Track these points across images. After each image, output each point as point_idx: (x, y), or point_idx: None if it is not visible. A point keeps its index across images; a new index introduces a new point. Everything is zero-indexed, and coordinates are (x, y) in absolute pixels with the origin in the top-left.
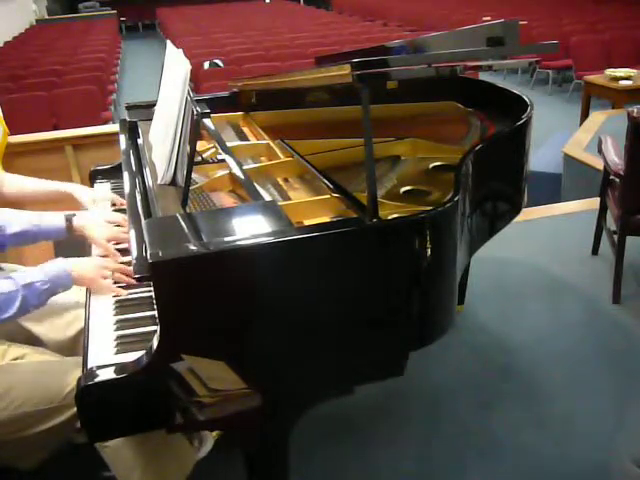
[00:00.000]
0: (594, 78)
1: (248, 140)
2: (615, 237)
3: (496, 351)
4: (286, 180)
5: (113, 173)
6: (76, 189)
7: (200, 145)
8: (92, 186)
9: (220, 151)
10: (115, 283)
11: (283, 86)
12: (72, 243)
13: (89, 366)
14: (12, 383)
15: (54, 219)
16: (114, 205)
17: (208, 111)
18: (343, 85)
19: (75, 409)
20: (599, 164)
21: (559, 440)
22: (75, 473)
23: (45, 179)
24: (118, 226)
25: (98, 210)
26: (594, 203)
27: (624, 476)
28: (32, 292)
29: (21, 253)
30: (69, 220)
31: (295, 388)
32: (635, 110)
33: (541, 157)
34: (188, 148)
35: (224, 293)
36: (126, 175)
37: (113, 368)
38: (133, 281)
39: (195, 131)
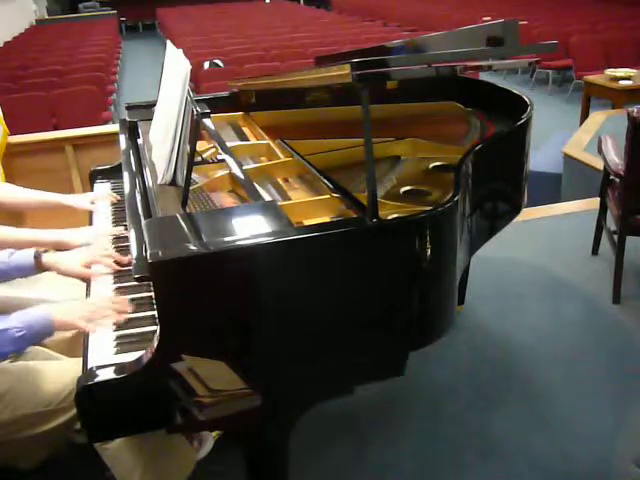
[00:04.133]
0: (594, 78)
1: (248, 140)
2: (615, 237)
3: (496, 351)
4: (286, 180)
5: (113, 173)
6: (74, 201)
7: (200, 145)
8: (92, 186)
9: (220, 151)
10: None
11: (283, 86)
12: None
13: (89, 366)
14: (11, 384)
15: (23, 256)
16: (114, 203)
17: (208, 111)
18: (343, 85)
19: (74, 411)
20: (599, 164)
21: (559, 440)
22: (75, 473)
23: (45, 179)
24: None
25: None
26: (594, 203)
27: (624, 476)
28: (6, 338)
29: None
30: (38, 257)
31: (295, 388)
32: (635, 110)
33: (541, 157)
34: (188, 148)
35: (224, 293)
36: (126, 175)
37: (113, 368)
38: (129, 309)
39: (195, 131)
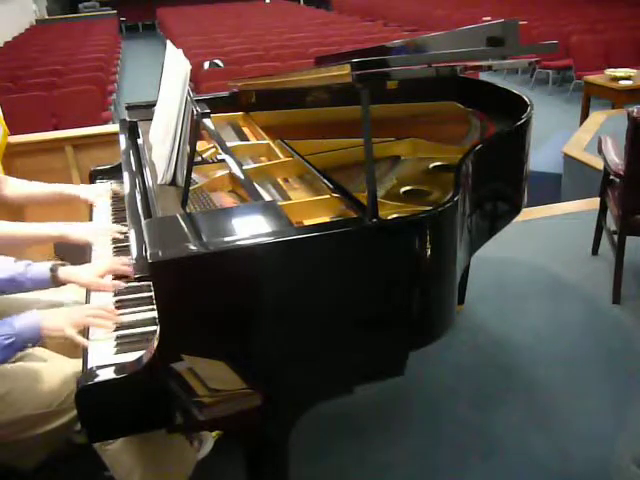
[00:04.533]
0: (594, 78)
1: (248, 140)
2: (615, 237)
3: (496, 351)
4: (286, 180)
5: (113, 173)
6: (81, 191)
7: (200, 145)
8: None
9: (220, 151)
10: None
11: (283, 86)
12: (72, 245)
13: (89, 366)
14: (11, 386)
15: (39, 269)
16: (115, 202)
17: (208, 111)
18: (343, 85)
19: (75, 412)
20: (599, 164)
21: (559, 440)
22: (75, 473)
23: (45, 179)
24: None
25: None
26: (594, 203)
27: (624, 476)
28: None
29: (20, 254)
30: (54, 271)
31: (295, 388)
32: (635, 110)
33: (541, 157)
34: (188, 148)
35: (224, 293)
36: (126, 175)
37: (113, 368)
38: (117, 320)
39: (195, 131)
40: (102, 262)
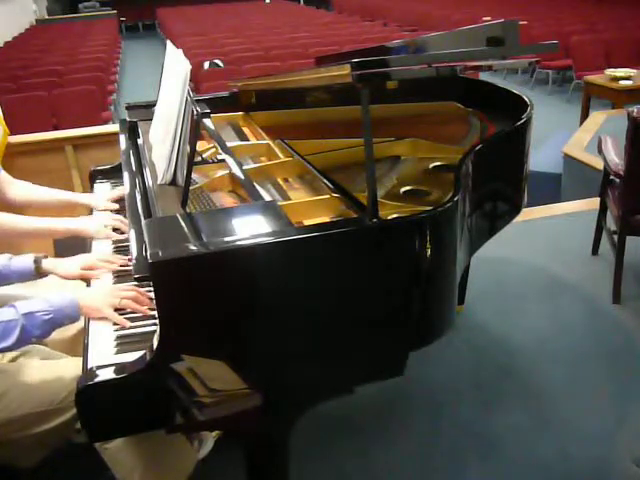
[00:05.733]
0: (594, 78)
1: (248, 140)
2: (615, 237)
3: (496, 351)
4: (286, 180)
5: (113, 173)
6: (83, 197)
7: (200, 145)
8: (92, 186)
9: (220, 151)
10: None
11: (283, 86)
12: (72, 241)
13: (89, 366)
14: (11, 384)
15: (22, 261)
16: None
17: (208, 111)
18: (343, 85)
19: (74, 411)
20: (599, 164)
21: (559, 440)
22: (75, 473)
23: (45, 179)
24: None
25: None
26: (594, 203)
27: (624, 476)
28: (33, 322)
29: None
30: (37, 263)
31: (295, 388)
32: (635, 110)
33: (541, 157)
34: (188, 148)
35: (224, 293)
36: (126, 175)
37: (113, 368)
38: (147, 311)
39: (195, 131)
40: (86, 255)
